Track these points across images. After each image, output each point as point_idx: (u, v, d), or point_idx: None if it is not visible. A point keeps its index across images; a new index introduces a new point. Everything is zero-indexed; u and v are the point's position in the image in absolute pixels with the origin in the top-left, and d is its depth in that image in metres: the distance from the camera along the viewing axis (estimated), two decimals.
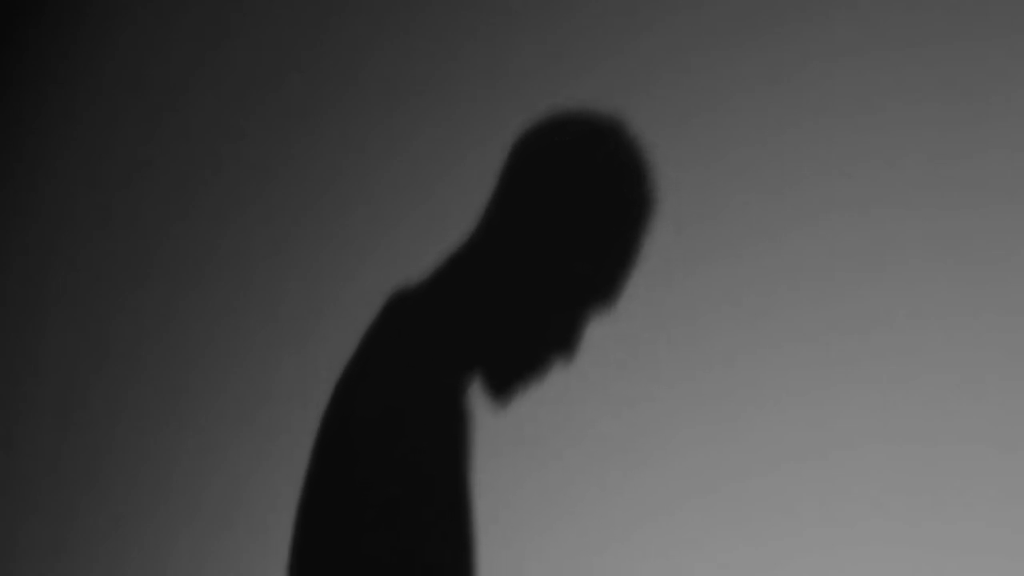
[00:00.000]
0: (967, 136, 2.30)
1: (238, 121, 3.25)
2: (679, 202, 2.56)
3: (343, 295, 2.97)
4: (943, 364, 2.27)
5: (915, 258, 2.32)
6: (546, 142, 1.67)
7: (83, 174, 3.52)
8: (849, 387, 2.34)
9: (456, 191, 2.83)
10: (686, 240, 2.54)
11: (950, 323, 2.28)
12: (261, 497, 3.01)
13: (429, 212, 2.89)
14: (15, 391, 3.52)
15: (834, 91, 2.43)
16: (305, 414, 2.99)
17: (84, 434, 3.35)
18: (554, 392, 2.63)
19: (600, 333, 2.61)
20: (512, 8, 2.85)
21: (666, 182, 2.62)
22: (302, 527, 1.58)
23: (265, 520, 3.00)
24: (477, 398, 1.75)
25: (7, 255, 3.64)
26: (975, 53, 2.31)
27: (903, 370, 2.30)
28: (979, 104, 2.30)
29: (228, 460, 3.09)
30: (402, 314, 1.63)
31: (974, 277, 2.27)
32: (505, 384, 1.71)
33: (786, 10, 2.51)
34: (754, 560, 2.37)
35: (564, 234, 1.64)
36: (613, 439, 2.55)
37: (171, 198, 3.33)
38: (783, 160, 2.47)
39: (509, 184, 1.67)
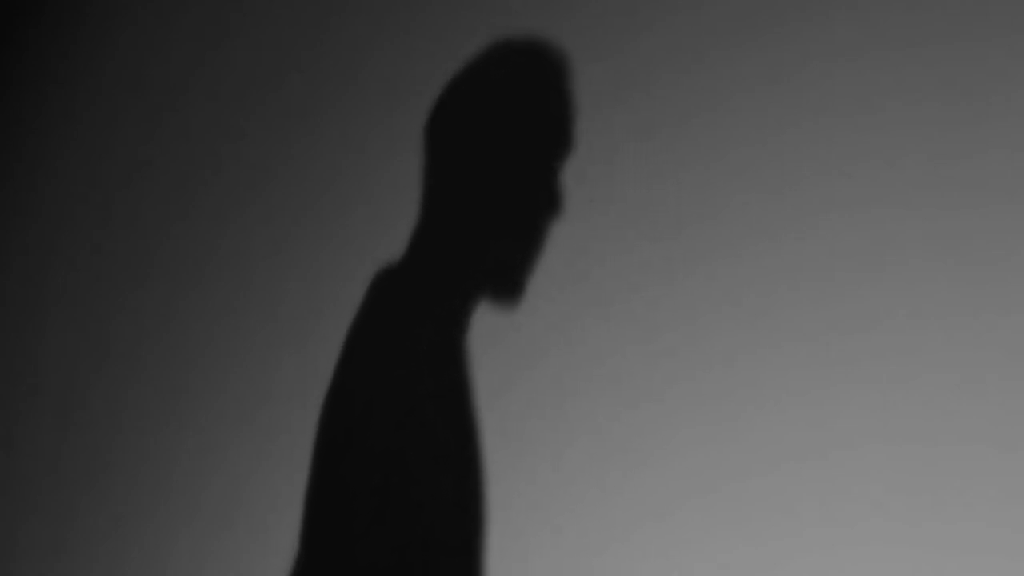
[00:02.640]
0: (967, 136, 2.30)
1: (238, 121, 3.25)
2: (679, 202, 2.56)
3: (343, 295, 2.98)
4: (943, 364, 2.27)
5: (915, 258, 2.32)
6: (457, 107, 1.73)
7: (83, 174, 3.52)
8: (849, 387, 2.34)
9: None
10: (686, 240, 2.54)
11: (950, 323, 2.28)
12: (261, 497, 3.01)
13: None
14: (15, 391, 3.53)
15: (834, 91, 2.43)
16: (305, 414, 2.99)
17: (84, 434, 3.35)
18: (553, 393, 2.63)
19: (599, 334, 2.61)
20: (512, 8, 2.85)
21: (666, 182, 2.63)
22: (308, 524, 1.60)
23: (265, 520, 3.00)
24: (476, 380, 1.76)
25: (7, 255, 3.64)
26: (975, 53, 2.32)
27: (903, 370, 2.30)
28: (979, 104, 2.30)
29: (228, 460, 3.09)
30: (378, 303, 1.66)
31: (974, 277, 2.27)
32: (505, 290, 1.76)
33: (786, 10, 2.51)
34: (754, 560, 2.37)
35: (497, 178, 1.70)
36: (613, 439, 2.55)
37: (171, 198, 3.33)
38: (783, 160, 2.47)
39: (437, 157, 1.73)
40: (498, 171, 1.69)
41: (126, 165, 3.42)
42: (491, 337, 2.72)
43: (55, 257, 3.51)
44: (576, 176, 2.69)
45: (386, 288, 1.67)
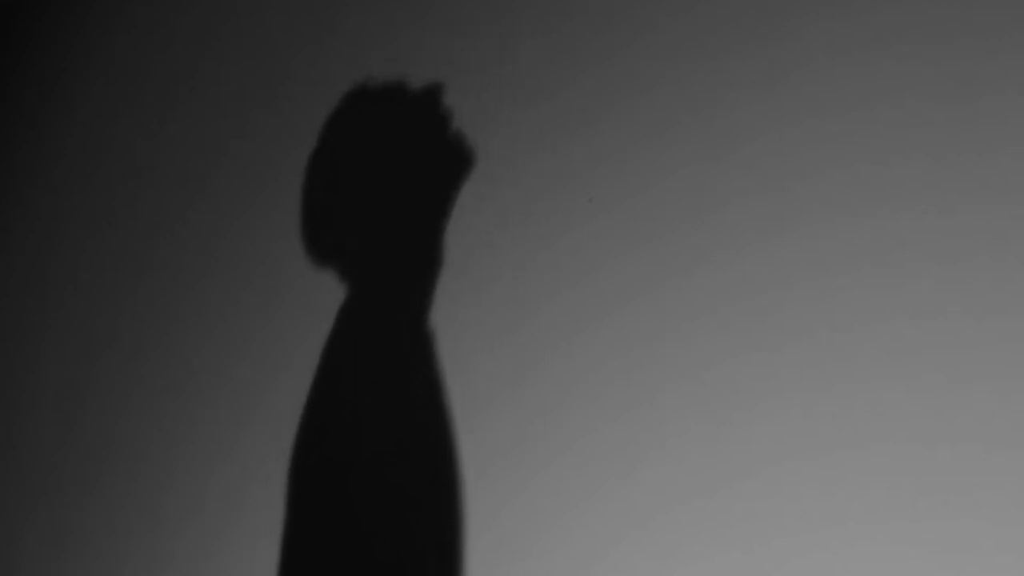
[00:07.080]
0: (967, 136, 2.30)
1: (238, 121, 3.26)
2: (679, 202, 2.56)
3: (344, 295, 2.97)
4: (943, 364, 2.27)
5: (915, 258, 2.32)
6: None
7: (83, 173, 3.52)
8: (849, 387, 2.34)
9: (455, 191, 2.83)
10: (685, 240, 2.54)
11: (950, 323, 2.27)
12: (261, 497, 3.02)
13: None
14: (15, 391, 3.53)
15: (834, 91, 2.43)
16: None
17: (85, 434, 3.35)
18: (546, 398, 2.62)
19: (597, 336, 2.61)
20: (512, 8, 2.85)
21: (665, 181, 2.62)
22: (289, 527, 1.60)
23: (266, 520, 3.00)
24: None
25: (7, 255, 3.64)
26: (975, 53, 2.31)
27: (903, 370, 2.30)
28: (979, 104, 2.30)
29: (229, 460, 3.09)
30: (355, 306, 1.68)
31: (974, 277, 2.27)
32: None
33: (786, 10, 2.51)
34: (753, 565, 2.37)
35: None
36: (607, 444, 2.54)
37: (172, 197, 3.33)
38: (783, 159, 2.47)
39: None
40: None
41: (126, 165, 3.42)
42: (484, 339, 2.71)
43: (55, 256, 3.51)
44: (575, 176, 2.69)
45: (364, 293, 1.67)
